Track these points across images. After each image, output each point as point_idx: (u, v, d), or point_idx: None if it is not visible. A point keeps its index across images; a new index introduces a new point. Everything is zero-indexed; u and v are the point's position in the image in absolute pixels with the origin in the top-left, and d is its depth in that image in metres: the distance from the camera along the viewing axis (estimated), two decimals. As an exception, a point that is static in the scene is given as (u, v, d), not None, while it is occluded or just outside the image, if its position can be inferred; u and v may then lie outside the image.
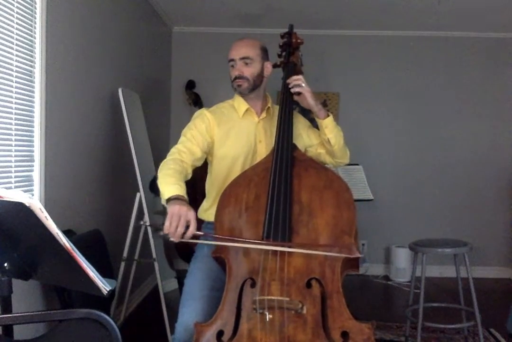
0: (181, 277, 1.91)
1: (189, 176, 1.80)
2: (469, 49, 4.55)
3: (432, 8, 3.78)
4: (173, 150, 1.82)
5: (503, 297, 3.89)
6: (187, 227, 1.48)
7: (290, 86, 1.84)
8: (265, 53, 1.92)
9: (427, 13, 3.95)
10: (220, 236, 1.60)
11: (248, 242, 1.56)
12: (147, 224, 1.54)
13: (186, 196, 1.60)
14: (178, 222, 1.47)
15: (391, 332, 3.11)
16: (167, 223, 1.47)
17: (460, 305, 2.84)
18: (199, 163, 1.88)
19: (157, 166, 3.37)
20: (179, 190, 1.60)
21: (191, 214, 1.50)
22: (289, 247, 1.53)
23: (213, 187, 1.94)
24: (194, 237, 1.52)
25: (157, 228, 1.51)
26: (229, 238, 1.60)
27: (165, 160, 1.77)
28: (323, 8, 3.91)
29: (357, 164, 3.36)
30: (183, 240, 1.49)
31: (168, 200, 1.56)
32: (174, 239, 1.48)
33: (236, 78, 1.87)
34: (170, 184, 1.62)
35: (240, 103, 1.94)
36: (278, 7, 3.85)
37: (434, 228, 4.40)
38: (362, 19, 4.21)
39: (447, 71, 4.57)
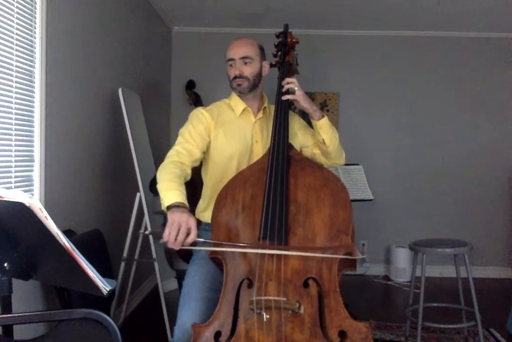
0: (181, 277, 1.90)
1: (189, 177, 1.79)
2: (469, 49, 4.55)
3: (432, 8, 3.78)
4: (171, 152, 1.81)
5: (503, 297, 3.89)
6: (188, 234, 1.48)
7: (283, 90, 1.83)
8: (263, 52, 1.93)
9: (427, 13, 3.96)
10: (219, 242, 1.58)
11: (246, 246, 1.55)
12: (147, 232, 1.55)
13: (186, 202, 1.59)
14: (178, 230, 1.46)
15: (391, 332, 3.11)
16: (166, 231, 1.47)
17: (460, 305, 2.84)
18: (197, 164, 1.88)
19: (157, 166, 3.37)
20: (179, 196, 1.59)
21: (191, 221, 1.49)
22: (286, 249, 1.53)
23: (208, 187, 1.94)
24: (194, 243, 1.51)
25: (158, 236, 1.51)
26: (228, 243, 1.58)
27: (163, 163, 1.76)
28: (323, 8, 3.91)
29: (357, 164, 3.36)
30: (183, 247, 1.49)
31: (168, 207, 1.55)
32: (173, 247, 1.47)
33: (235, 77, 1.87)
34: (170, 190, 1.60)
35: (237, 103, 1.94)
36: (277, 7, 3.85)
37: (434, 228, 4.41)
38: (362, 19, 4.21)
39: (447, 71, 4.57)
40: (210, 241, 1.57)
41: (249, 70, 1.87)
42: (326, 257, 1.52)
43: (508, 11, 3.83)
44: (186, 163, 1.78)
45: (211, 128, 1.88)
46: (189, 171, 1.79)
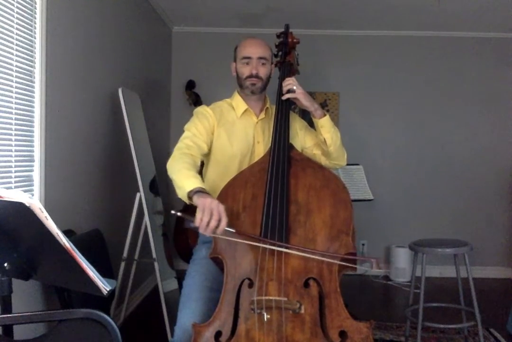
0: (181, 277, 1.90)
1: (199, 169, 1.77)
2: (469, 49, 4.55)
3: (432, 8, 3.78)
4: (180, 145, 1.79)
5: (503, 297, 3.89)
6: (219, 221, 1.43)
7: (283, 92, 1.83)
8: (272, 55, 1.95)
9: (427, 13, 3.96)
10: (249, 234, 1.53)
11: (273, 243, 1.51)
12: (178, 214, 1.47)
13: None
14: (210, 215, 1.42)
15: (391, 332, 3.11)
16: (198, 216, 1.42)
17: (460, 305, 2.83)
18: (202, 159, 1.88)
19: (157, 166, 3.38)
20: (201, 183, 1.57)
21: (222, 208, 1.45)
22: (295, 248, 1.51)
23: (208, 187, 1.93)
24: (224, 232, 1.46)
25: (189, 219, 1.45)
26: (254, 236, 1.53)
27: (174, 155, 1.74)
28: (323, 8, 3.91)
29: (357, 164, 3.36)
30: (213, 235, 1.45)
31: (191, 193, 1.52)
32: (205, 233, 1.43)
33: (251, 76, 1.87)
34: (190, 177, 1.58)
35: (239, 103, 1.94)
36: (277, 7, 3.85)
37: (434, 228, 4.40)
38: (362, 19, 4.21)
39: (447, 71, 4.57)
40: (250, 234, 1.51)
41: (264, 71, 1.88)
42: (328, 257, 1.52)
43: (508, 11, 3.83)
44: (196, 155, 1.77)
45: (215, 126, 1.89)
46: (199, 163, 1.78)
